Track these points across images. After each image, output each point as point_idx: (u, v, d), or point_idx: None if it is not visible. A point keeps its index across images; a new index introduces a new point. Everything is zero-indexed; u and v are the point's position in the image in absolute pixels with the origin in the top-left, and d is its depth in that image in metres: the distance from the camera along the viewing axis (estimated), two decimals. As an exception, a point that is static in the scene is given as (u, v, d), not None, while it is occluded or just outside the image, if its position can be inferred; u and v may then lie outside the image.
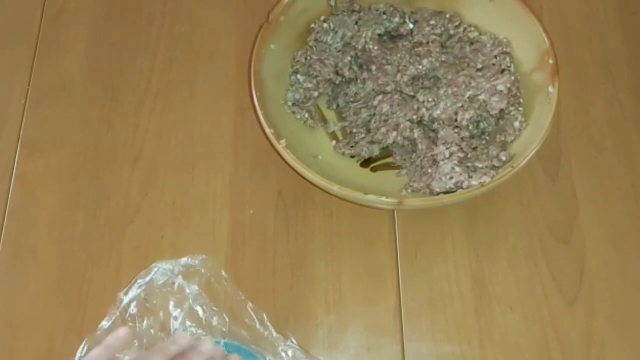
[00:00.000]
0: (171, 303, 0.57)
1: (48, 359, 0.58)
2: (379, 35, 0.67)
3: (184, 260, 0.59)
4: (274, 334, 0.57)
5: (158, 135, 0.67)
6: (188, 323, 0.56)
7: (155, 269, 0.58)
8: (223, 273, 0.59)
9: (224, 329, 0.57)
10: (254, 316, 0.58)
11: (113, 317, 0.56)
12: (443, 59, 0.65)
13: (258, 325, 0.57)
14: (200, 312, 0.57)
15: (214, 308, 0.58)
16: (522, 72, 0.64)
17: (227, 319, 0.57)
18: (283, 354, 0.56)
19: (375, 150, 0.64)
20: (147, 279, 0.58)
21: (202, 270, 0.59)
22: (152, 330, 0.56)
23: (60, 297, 0.60)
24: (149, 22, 0.73)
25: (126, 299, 0.57)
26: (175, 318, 0.57)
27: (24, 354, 0.58)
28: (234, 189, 0.65)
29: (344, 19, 0.67)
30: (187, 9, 0.73)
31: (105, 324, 0.56)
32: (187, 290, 0.58)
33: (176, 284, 0.58)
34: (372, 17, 0.68)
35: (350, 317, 0.60)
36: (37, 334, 0.59)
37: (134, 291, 0.57)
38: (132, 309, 0.56)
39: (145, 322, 0.56)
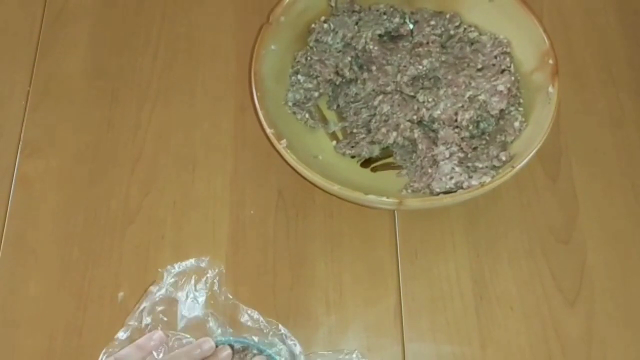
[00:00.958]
0: (182, 310, 0.57)
1: (48, 358, 0.58)
2: (379, 35, 0.67)
3: (190, 262, 0.59)
4: (269, 332, 0.57)
5: (158, 136, 0.67)
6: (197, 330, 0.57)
7: (165, 275, 0.58)
8: (215, 281, 0.59)
9: (231, 330, 0.57)
10: (252, 317, 0.58)
11: (130, 328, 0.56)
12: (443, 59, 0.65)
13: (257, 326, 0.58)
14: (209, 317, 0.57)
15: (221, 313, 0.58)
16: (522, 72, 0.64)
17: (229, 325, 0.58)
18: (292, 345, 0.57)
19: (376, 151, 0.64)
20: (158, 290, 0.58)
21: (209, 273, 0.59)
22: (169, 338, 0.56)
23: (60, 297, 0.60)
24: (150, 22, 0.73)
25: (139, 310, 0.57)
26: (186, 325, 0.57)
27: (25, 354, 0.58)
28: (235, 189, 0.65)
29: (345, 19, 0.67)
30: (187, 10, 0.74)
31: (122, 335, 0.56)
32: (196, 295, 0.58)
33: (185, 291, 0.58)
34: (373, 18, 0.68)
35: (350, 317, 0.60)
36: (38, 334, 0.59)
37: (146, 302, 0.57)
38: (146, 319, 0.57)
39: (160, 331, 0.56)
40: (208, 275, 0.59)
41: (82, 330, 0.59)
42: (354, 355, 0.57)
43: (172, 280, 0.58)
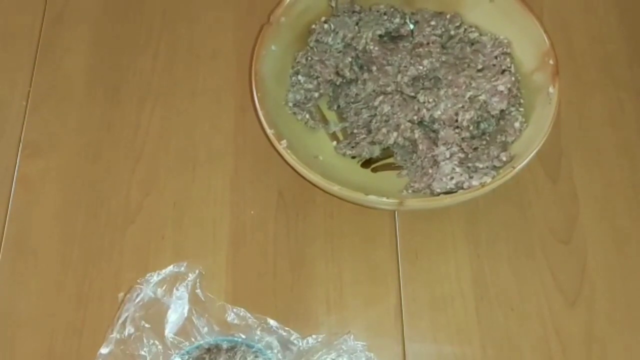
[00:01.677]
0: (164, 315, 0.57)
1: (48, 358, 0.58)
2: (380, 36, 0.67)
3: (169, 269, 0.59)
4: (257, 328, 0.57)
5: (159, 136, 0.67)
6: (183, 334, 0.57)
7: (144, 284, 0.58)
8: (197, 283, 0.59)
9: (217, 329, 0.57)
10: (238, 315, 0.58)
11: (113, 341, 0.56)
12: (444, 59, 0.65)
13: (244, 323, 0.58)
14: (193, 320, 0.57)
15: (205, 315, 0.58)
16: (522, 72, 0.64)
17: (216, 325, 0.58)
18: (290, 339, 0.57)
19: (376, 151, 0.64)
20: (136, 298, 0.58)
21: (189, 277, 0.59)
22: (155, 347, 0.56)
23: (61, 298, 0.60)
24: (150, 23, 0.73)
25: (120, 321, 0.57)
26: (171, 330, 0.57)
27: (25, 354, 0.58)
28: (235, 190, 0.65)
29: (345, 19, 0.67)
30: (187, 10, 0.74)
31: (104, 350, 0.56)
32: (178, 298, 0.58)
33: (167, 296, 0.58)
34: (373, 18, 0.68)
35: (351, 318, 0.60)
36: (38, 334, 0.59)
37: (125, 312, 0.57)
38: (129, 329, 0.56)
39: (145, 340, 0.56)
40: (188, 278, 0.59)
41: (82, 330, 0.59)
42: (349, 338, 0.57)
43: (152, 287, 0.58)
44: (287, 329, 0.57)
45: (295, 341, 0.57)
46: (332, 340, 0.57)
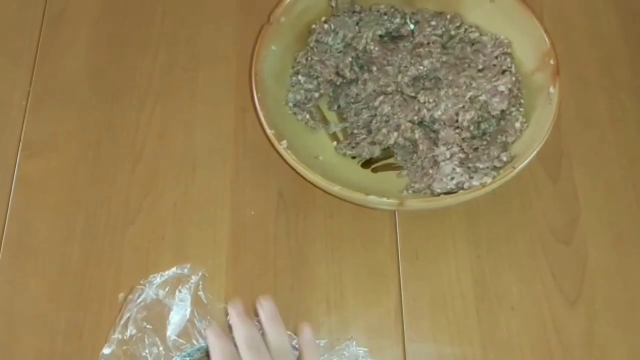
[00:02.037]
0: (166, 317, 0.57)
1: (48, 358, 0.58)
2: (380, 36, 0.67)
3: (172, 271, 0.59)
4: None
5: (159, 137, 0.67)
6: (185, 336, 0.57)
7: (147, 286, 0.58)
8: (200, 286, 0.59)
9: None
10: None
11: (115, 342, 0.56)
12: (444, 59, 0.65)
13: None
14: (195, 322, 0.57)
15: (207, 317, 0.58)
16: (523, 72, 0.64)
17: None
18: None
19: (376, 151, 0.64)
20: (138, 299, 0.58)
21: (192, 279, 0.59)
22: (156, 348, 0.56)
23: (61, 298, 0.60)
24: (150, 23, 0.73)
25: (122, 322, 0.57)
26: (172, 331, 0.57)
27: (25, 354, 0.58)
28: (235, 190, 0.65)
29: (345, 19, 0.67)
30: (187, 10, 0.74)
31: (106, 350, 0.56)
32: (181, 300, 0.58)
33: (169, 297, 0.58)
34: (373, 18, 0.68)
35: (351, 318, 0.60)
36: (38, 335, 0.59)
37: (127, 313, 0.57)
38: (131, 330, 0.56)
39: (146, 341, 0.56)
40: (191, 280, 0.59)
41: (82, 331, 0.59)
42: (351, 343, 0.57)
43: (154, 288, 0.58)
44: (289, 332, 0.57)
45: (297, 345, 0.57)
46: (334, 345, 0.57)
